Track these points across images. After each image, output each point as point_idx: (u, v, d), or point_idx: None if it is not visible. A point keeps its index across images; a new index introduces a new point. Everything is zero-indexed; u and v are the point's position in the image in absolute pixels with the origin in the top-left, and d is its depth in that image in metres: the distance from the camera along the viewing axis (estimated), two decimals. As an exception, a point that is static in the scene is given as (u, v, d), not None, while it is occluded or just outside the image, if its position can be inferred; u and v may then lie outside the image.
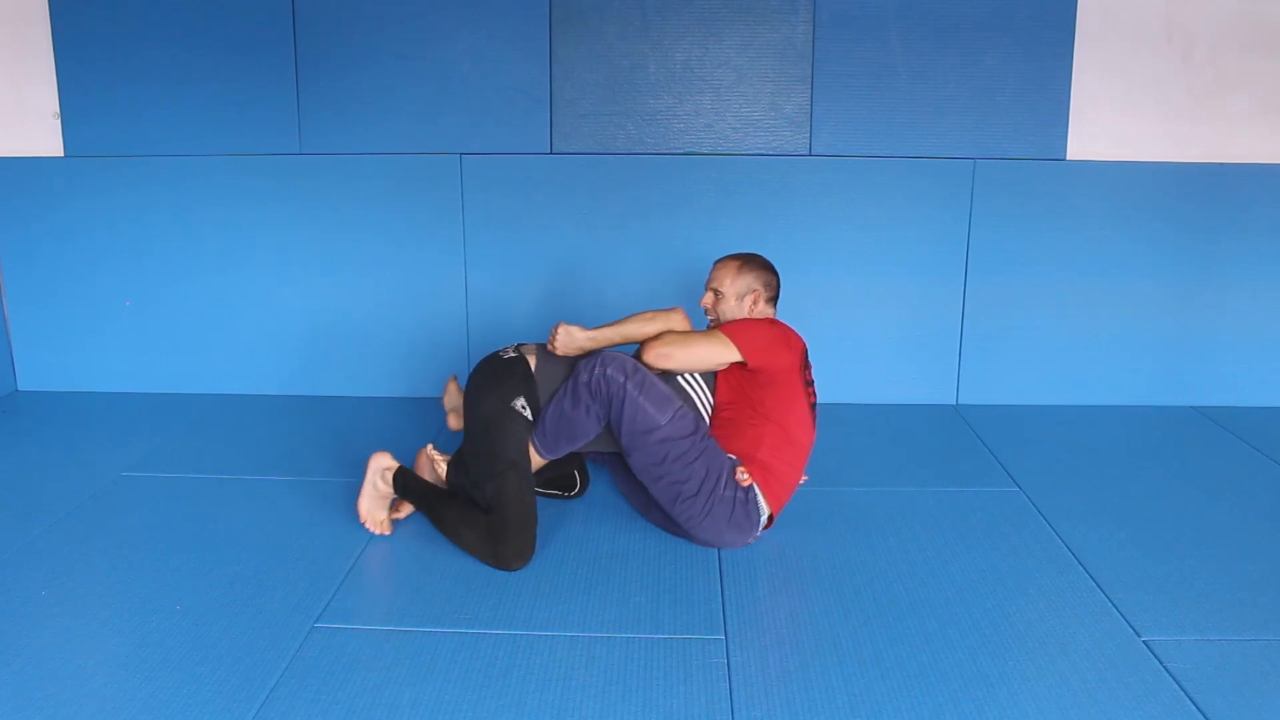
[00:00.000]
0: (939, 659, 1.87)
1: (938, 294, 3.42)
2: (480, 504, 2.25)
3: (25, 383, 3.56)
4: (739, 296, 2.39)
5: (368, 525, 2.36)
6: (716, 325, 2.40)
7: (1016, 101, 3.29)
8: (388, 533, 2.36)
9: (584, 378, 2.21)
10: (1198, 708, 1.72)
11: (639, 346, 2.32)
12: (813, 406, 2.36)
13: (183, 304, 3.46)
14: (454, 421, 2.66)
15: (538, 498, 2.36)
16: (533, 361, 2.34)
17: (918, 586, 2.15)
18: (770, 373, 2.27)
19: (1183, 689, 1.77)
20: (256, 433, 3.13)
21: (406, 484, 2.37)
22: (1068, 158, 3.33)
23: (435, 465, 2.42)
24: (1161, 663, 1.86)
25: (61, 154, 3.39)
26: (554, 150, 3.35)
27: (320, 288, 3.44)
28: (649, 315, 2.34)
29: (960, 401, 3.49)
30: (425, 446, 2.51)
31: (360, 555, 2.27)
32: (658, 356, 2.26)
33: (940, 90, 3.29)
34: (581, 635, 1.94)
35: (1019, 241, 3.37)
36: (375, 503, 2.38)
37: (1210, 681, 1.80)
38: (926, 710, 1.71)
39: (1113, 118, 3.31)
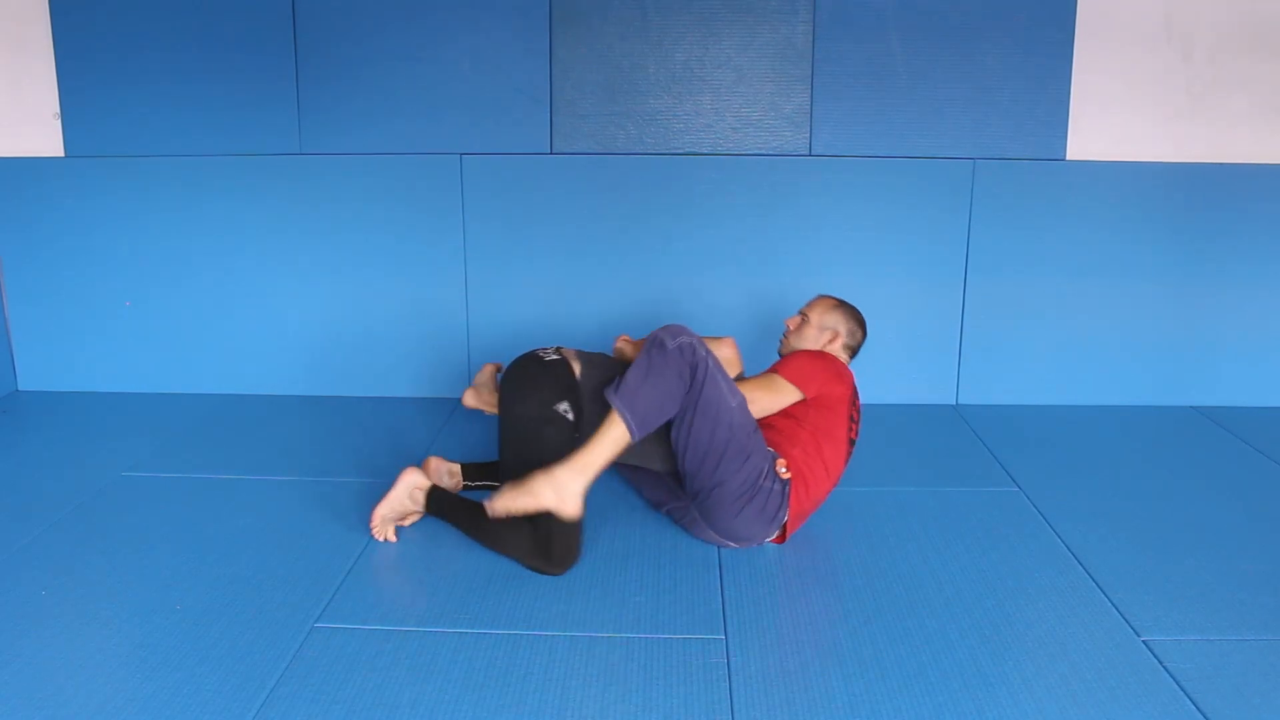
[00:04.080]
0: (939, 659, 1.87)
1: (938, 294, 3.42)
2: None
3: (25, 383, 3.56)
4: (820, 329, 2.52)
5: (375, 532, 2.33)
6: (777, 361, 2.44)
7: (1016, 101, 3.29)
8: (392, 540, 2.33)
9: (671, 345, 2.12)
10: (1197, 707, 1.72)
11: None
12: (852, 442, 2.40)
13: (183, 304, 3.46)
14: (470, 398, 2.58)
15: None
16: (577, 368, 2.27)
17: (918, 586, 2.15)
18: (821, 399, 2.34)
19: (1182, 689, 1.77)
20: (257, 433, 3.13)
21: (440, 502, 2.34)
22: (1067, 158, 3.33)
23: (451, 477, 2.46)
24: (1161, 662, 1.86)
25: (62, 154, 3.38)
26: (554, 150, 3.35)
27: (320, 288, 3.44)
28: (708, 342, 2.32)
29: (960, 401, 3.49)
30: (429, 459, 2.55)
31: (360, 555, 2.27)
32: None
33: (940, 90, 3.29)
34: (581, 635, 1.94)
35: (1019, 241, 3.37)
36: (394, 513, 2.35)
37: (1210, 681, 1.80)
38: (926, 710, 1.71)
39: (1113, 118, 3.31)
